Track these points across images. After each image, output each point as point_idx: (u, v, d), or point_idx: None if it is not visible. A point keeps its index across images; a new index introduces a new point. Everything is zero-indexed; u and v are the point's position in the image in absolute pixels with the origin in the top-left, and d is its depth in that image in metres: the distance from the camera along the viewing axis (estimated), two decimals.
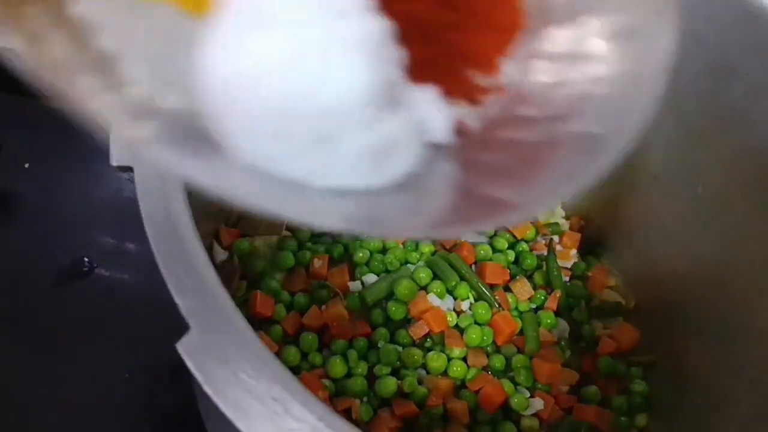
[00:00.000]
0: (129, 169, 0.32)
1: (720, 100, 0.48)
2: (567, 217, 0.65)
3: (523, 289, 0.57)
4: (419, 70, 0.27)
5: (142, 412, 0.60)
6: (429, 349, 0.54)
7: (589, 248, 0.63)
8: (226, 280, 0.53)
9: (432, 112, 0.28)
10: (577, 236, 0.62)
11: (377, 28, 0.24)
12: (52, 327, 0.62)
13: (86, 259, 0.66)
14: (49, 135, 0.71)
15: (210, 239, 0.55)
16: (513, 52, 0.29)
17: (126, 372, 0.60)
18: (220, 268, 0.55)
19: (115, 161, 0.32)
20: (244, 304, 0.53)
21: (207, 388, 0.27)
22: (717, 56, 0.47)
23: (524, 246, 0.60)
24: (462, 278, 0.56)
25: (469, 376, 0.52)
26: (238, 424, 0.27)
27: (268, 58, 0.23)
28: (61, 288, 0.64)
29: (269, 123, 0.24)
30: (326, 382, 0.51)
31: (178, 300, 0.29)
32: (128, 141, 0.24)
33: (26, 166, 0.69)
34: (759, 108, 0.46)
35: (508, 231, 0.59)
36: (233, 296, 0.52)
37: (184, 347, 0.28)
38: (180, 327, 0.50)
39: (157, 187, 0.32)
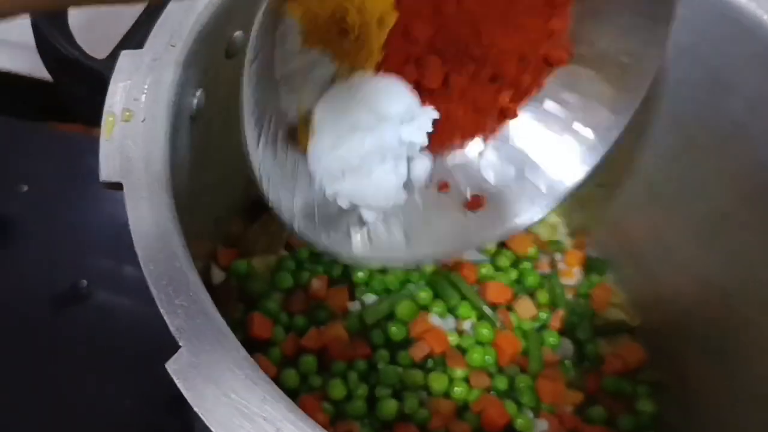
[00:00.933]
0: (118, 186, 0.31)
1: (719, 114, 0.48)
2: (570, 235, 0.64)
3: (525, 308, 0.56)
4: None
5: None
6: (430, 370, 0.53)
7: (593, 266, 0.62)
8: (224, 302, 0.53)
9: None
10: (581, 254, 0.61)
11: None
12: (49, 353, 0.61)
13: (84, 283, 0.65)
14: (46, 158, 0.71)
15: (207, 260, 0.55)
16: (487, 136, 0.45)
17: (125, 398, 0.60)
18: (218, 290, 0.54)
19: (104, 176, 0.31)
20: (241, 326, 0.53)
21: (197, 408, 0.27)
22: (714, 70, 0.47)
23: (527, 264, 0.59)
24: (463, 297, 0.55)
25: (471, 398, 0.51)
26: None
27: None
28: (59, 312, 0.63)
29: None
30: (326, 404, 0.50)
31: (167, 319, 0.28)
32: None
33: (24, 189, 0.68)
34: (757, 122, 0.45)
35: (510, 249, 0.59)
36: (231, 318, 0.52)
37: (173, 367, 0.27)
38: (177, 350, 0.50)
39: (147, 205, 0.31)
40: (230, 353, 0.28)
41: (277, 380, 0.50)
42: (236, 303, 0.54)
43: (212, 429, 0.26)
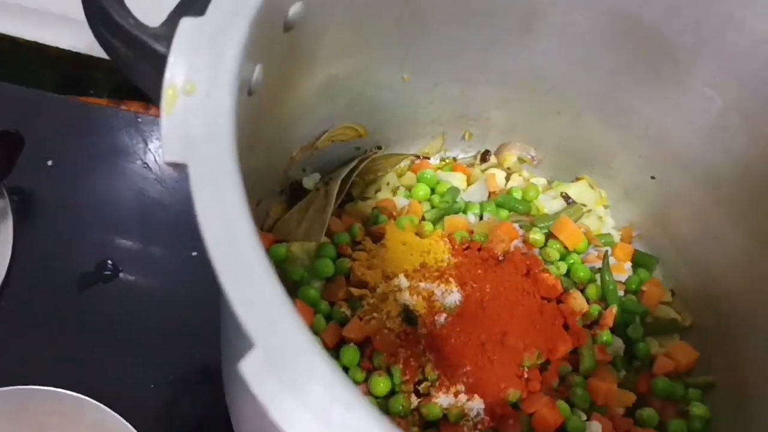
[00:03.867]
0: (182, 166, 0.29)
1: None
2: (617, 228, 0.61)
3: (576, 303, 0.53)
4: None
5: (170, 419, 0.57)
6: None
7: (641, 261, 0.59)
8: None
9: None
10: (630, 248, 0.59)
11: None
12: (76, 332, 0.59)
13: (110, 262, 0.63)
14: (72, 132, 0.69)
15: None
16: None
17: (152, 380, 0.58)
18: None
19: (168, 158, 0.29)
20: None
21: (273, 415, 0.24)
22: None
23: (576, 258, 0.56)
24: None
25: (523, 397, 0.49)
26: None
27: None
28: (85, 291, 0.61)
29: None
30: (369, 400, 0.47)
31: (240, 314, 0.26)
32: None
33: (49, 163, 0.66)
34: None
35: (558, 240, 0.56)
36: None
37: (247, 368, 0.25)
38: (206, 334, 0.48)
39: (213, 190, 0.28)
40: (310, 355, 0.25)
41: None
42: None
43: None
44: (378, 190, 0.59)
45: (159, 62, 0.32)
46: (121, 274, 0.63)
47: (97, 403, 0.52)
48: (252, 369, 0.25)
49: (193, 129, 0.30)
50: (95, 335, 0.59)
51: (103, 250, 0.64)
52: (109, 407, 0.52)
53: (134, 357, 0.59)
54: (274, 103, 0.44)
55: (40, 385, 0.51)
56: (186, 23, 0.32)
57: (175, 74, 0.31)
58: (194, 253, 0.63)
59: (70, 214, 0.64)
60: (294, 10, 0.39)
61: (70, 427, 0.52)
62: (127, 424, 0.52)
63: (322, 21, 0.43)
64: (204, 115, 0.30)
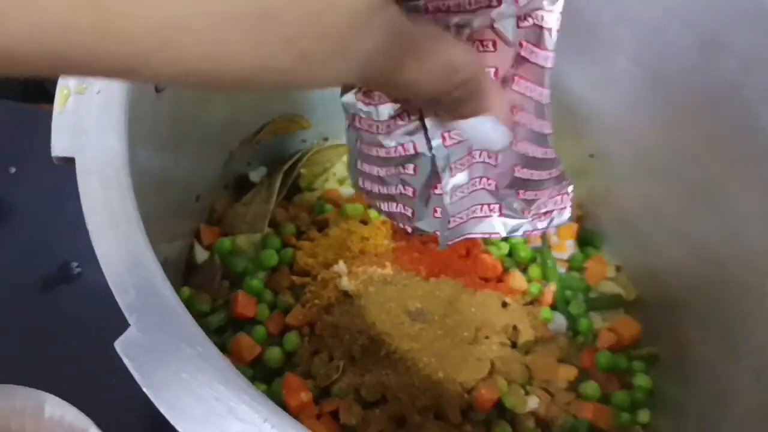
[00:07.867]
0: (71, 161, 0.30)
1: (709, 76, 0.46)
2: None
3: (516, 282, 0.54)
4: None
5: (131, 415, 0.58)
6: None
7: (588, 239, 0.60)
8: (208, 281, 0.52)
9: None
10: (574, 227, 0.60)
11: None
12: (39, 335, 0.60)
13: (74, 264, 0.65)
14: (34, 138, 0.70)
15: (191, 238, 0.54)
16: None
17: (114, 376, 0.59)
18: (201, 268, 0.53)
19: (56, 151, 0.30)
20: (226, 305, 0.52)
21: (146, 389, 0.26)
22: (704, 31, 0.45)
23: (518, 238, 0.57)
24: None
25: None
26: (179, 427, 0.25)
27: None
28: (49, 294, 0.63)
29: None
30: (311, 382, 0.49)
31: (117, 297, 0.27)
32: None
33: (12, 170, 0.68)
34: (752, 83, 0.43)
35: None
36: (215, 297, 0.51)
37: (122, 346, 0.26)
38: None
39: (101, 180, 0.30)
40: (182, 331, 0.27)
41: (261, 359, 0.50)
42: (220, 282, 0.53)
43: (162, 411, 0.25)
44: (326, 181, 0.61)
45: None
46: (85, 275, 0.64)
47: (57, 398, 0.54)
48: (126, 346, 0.26)
49: (82, 125, 0.31)
50: (57, 334, 0.61)
51: (66, 253, 0.65)
52: (70, 403, 0.54)
53: (96, 354, 0.60)
54: (196, 97, 0.45)
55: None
56: None
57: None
58: None
59: (34, 219, 0.66)
60: None
61: (31, 422, 0.54)
62: (88, 418, 0.54)
63: None
64: (95, 111, 0.32)
